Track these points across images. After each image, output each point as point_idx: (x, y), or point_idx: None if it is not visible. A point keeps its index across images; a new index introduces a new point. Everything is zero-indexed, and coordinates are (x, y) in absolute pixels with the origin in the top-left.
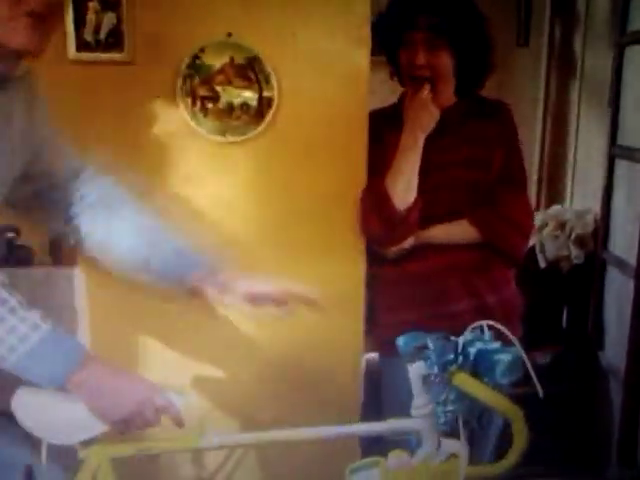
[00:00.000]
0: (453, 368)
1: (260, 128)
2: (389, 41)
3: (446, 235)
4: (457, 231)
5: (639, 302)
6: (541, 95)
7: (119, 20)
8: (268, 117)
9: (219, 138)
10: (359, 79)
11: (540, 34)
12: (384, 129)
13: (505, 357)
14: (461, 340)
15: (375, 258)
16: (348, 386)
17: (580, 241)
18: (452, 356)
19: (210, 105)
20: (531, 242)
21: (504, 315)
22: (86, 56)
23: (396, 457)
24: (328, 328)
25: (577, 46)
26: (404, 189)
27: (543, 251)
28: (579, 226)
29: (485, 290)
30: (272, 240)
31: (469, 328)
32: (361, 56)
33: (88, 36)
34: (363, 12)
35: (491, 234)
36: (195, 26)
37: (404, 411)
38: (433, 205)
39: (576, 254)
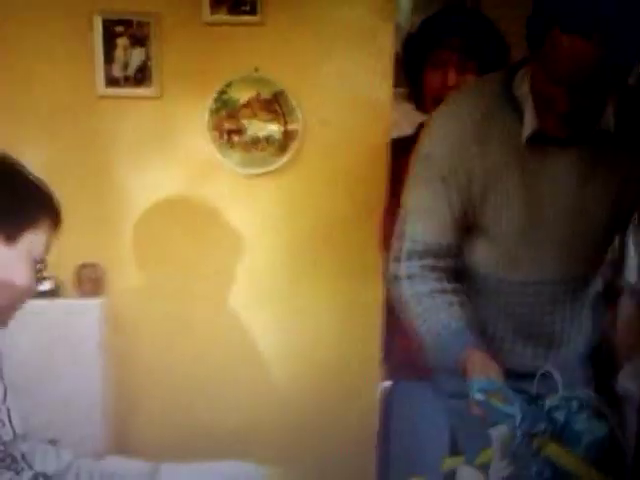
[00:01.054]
0: (541, 438)
1: (284, 159)
2: (416, 61)
3: None
4: None
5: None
6: None
7: (147, 56)
8: (292, 149)
9: (245, 170)
10: (382, 111)
11: None
12: (406, 157)
13: (594, 431)
14: (547, 404)
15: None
16: (364, 413)
17: None
18: (543, 427)
19: (236, 138)
20: None
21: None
22: (114, 91)
23: None
24: (345, 356)
25: None
26: None
27: None
28: None
29: None
30: (294, 266)
31: (538, 374)
32: (384, 88)
33: (117, 72)
34: (386, 44)
35: None
36: (222, 61)
37: (412, 442)
38: None
39: None
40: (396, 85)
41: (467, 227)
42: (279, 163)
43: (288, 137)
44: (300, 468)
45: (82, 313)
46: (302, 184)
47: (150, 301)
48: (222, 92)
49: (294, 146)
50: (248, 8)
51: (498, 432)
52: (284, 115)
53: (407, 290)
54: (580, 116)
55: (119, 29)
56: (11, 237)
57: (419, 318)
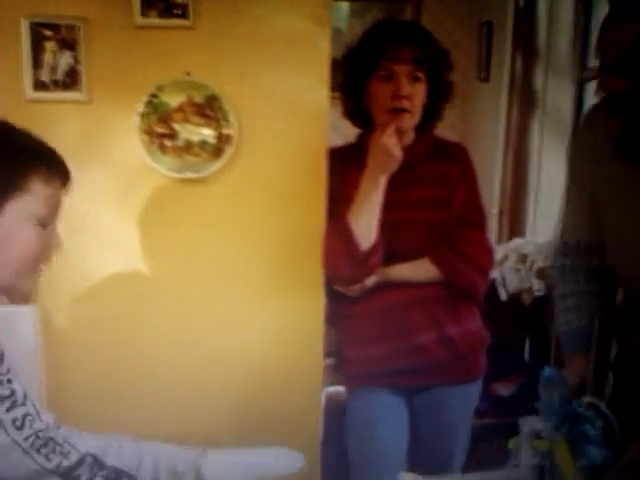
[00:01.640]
0: (559, 435)
1: (219, 165)
2: (360, 76)
3: (409, 274)
4: (419, 270)
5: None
6: (502, 129)
7: (76, 60)
8: (227, 154)
9: (177, 175)
10: (319, 116)
11: (501, 69)
12: (346, 166)
13: (596, 451)
14: (575, 407)
15: (340, 295)
16: (308, 421)
17: (542, 274)
18: (560, 419)
19: (168, 143)
20: (492, 275)
21: (469, 348)
22: (43, 96)
23: None
24: (288, 364)
25: (538, 80)
26: (367, 228)
27: (504, 284)
28: (540, 259)
29: (448, 323)
30: (231, 278)
31: (585, 402)
32: (321, 93)
33: (45, 76)
34: (322, 48)
35: (452, 273)
36: (153, 65)
37: (369, 448)
38: (395, 243)
39: (538, 286)
40: (333, 90)
41: None
42: (213, 169)
43: (222, 142)
44: None
45: (13, 321)
46: (237, 191)
47: (81, 307)
48: (153, 96)
49: (228, 152)
50: (180, 12)
51: (528, 423)
52: (217, 120)
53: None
54: None
55: (47, 33)
56: None
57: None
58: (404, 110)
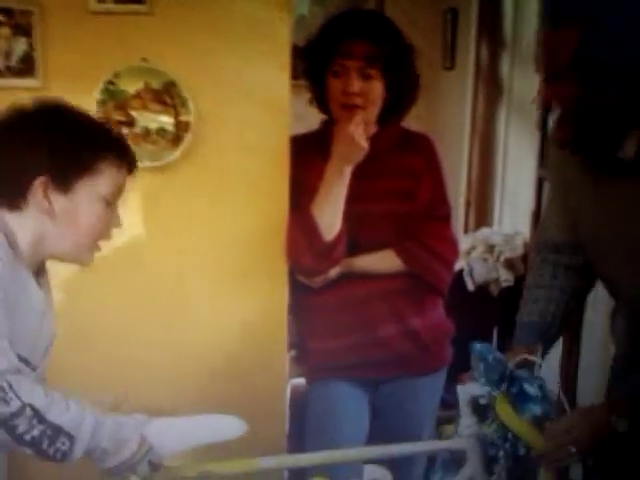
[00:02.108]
0: (498, 393)
1: (178, 153)
2: (317, 69)
3: (373, 265)
4: (383, 261)
5: (569, 327)
6: (468, 118)
7: (31, 46)
8: (185, 142)
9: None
10: (280, 104)
11: (466, 57)
12: (309, 155)
13: (538, 409)
14: (510, 365)
15: (302, 286)
16: (273, 412)
17: (509, 264)
18: (497, 376)
19: (125, 130)
20: (459, 265)
21: (433, 340)
22: None
23: None
24: (252, 356)
25: (504, 68)
26: (331, 219)
27: (471, 274)
28: (508, 249)
29: (413, 315)
30: (192, 269)
31: (518, 359)
32: (282, 81)
33: None
34: (283, 35)
35: (416, 265)
36: (110, 51)
37: (329, 437)
38: (358, 234)
39: (505, 277)
40: (297, 77)
41: None
42: (171, 157)
43: (181, 129)
44: None
45: None
46: (197, 180)
47: None
48: (109, 83)
49: (187, 139)
50: None
51: (465, 389)
52: (175, 107)
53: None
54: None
55: (1, 18)
56: (65, 187)
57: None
58: (356, 106)
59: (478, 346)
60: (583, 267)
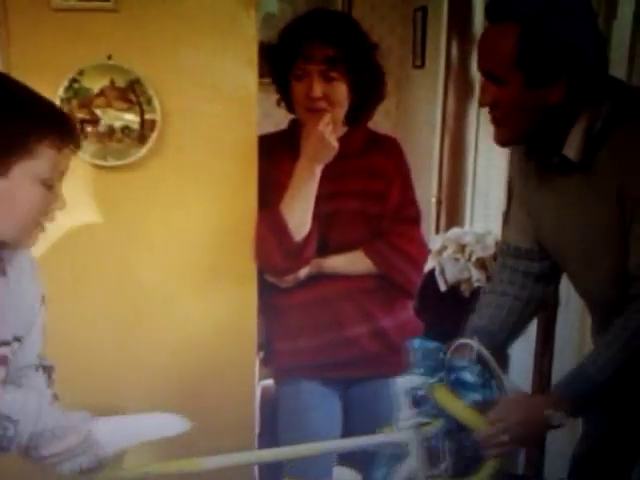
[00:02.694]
0: (435, 381)
1: (143, 152)
2: (281, 72)
3: (342, 266)
4: (353, 262)
5: (543, 327)
6: (439, 116)
7: None
8: (151, 140)
9: (101, 162)
10: (248, 101)
11: (437, 55)
12: (278, 154)
13: (478, 395)
14: (448, 356)
15: (270, 286)
16: (242, 412)
17: (481, 264)
18: (434, 363)
19: (90, 128)
20: (431, 265)
21: (402, 340)
22: None
23: None
24: (221, 356)
25: (475, 66)
26: (300, 219)
27: (443, 274)
28: (479, 249)
29: (381, 315)
30: (158, 268)
31: (455, 344)
32: (249, 77)
33: None
34: (250, 32)
35: (386, 266)
36: (74, 48)
37: (301, 436)
38: (328, 234)
39: (477, 277)
40: (265, 75)
41: None
42: (137, 155)
43: (146, 128)
44: None
45: None
46: (163, 179)
47: None
48: (74, 80)
49: (153, 137)
50: None
51: (403, 381)
52: (140, 105)
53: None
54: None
55: None
56: (1, 169)
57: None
58: (321, 109)
59: (416, 340)
60: (541, 275)
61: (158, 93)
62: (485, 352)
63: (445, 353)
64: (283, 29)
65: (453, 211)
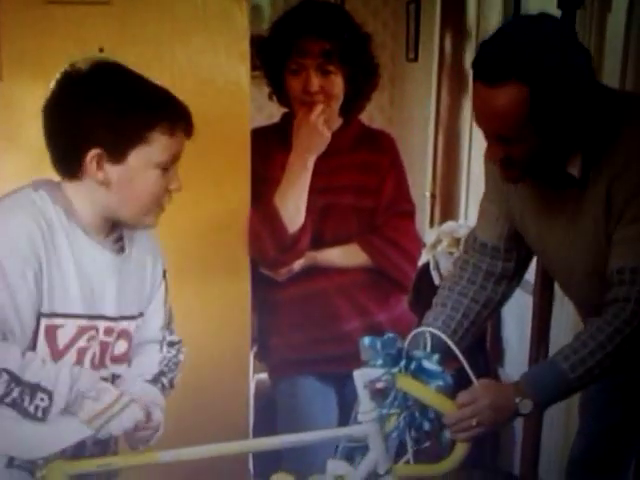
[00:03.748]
0: (396, 371)
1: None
2: (274, 67)
3: (337, 259)
4: (348, 255)
5: (539, 319)
6: (432, 110)
7: None
8: None
9: None
10: (240, 95)
11: (430, 49)
12: (271, 147)
13: (440, 382)
14: (406, 345)
15: (264, 280)
16: (236, 407)
17: None
18: (394, 351)
19: None
20: (425, 259)
21: (397, 333)
22: None
23: None
24: (215, 351)
25: (468, 60)
26: (294, 211)
27: (438, 268)
28: None
29: (375, 309)
30: None
31: (412, 333)
32: (241, 71)
33: None
34: (242, 26)
35: (381, 260)
36: (66, 41)
37: (298, 432)
38: (322, 227)
39: None
40: (257, 68)
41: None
42: None
43: None
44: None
45: None
46: None
47: None
48: None
49: None
50: None
51: (362, 374)
52: None
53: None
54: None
55: None
56: (119, 157)
57: None
58: (317, 103)
59: (367, 338)
60: (502, 277)
61: None
62: (447, 339)
63: (403, 343)
64: (275, 22)
65: (447, 205)
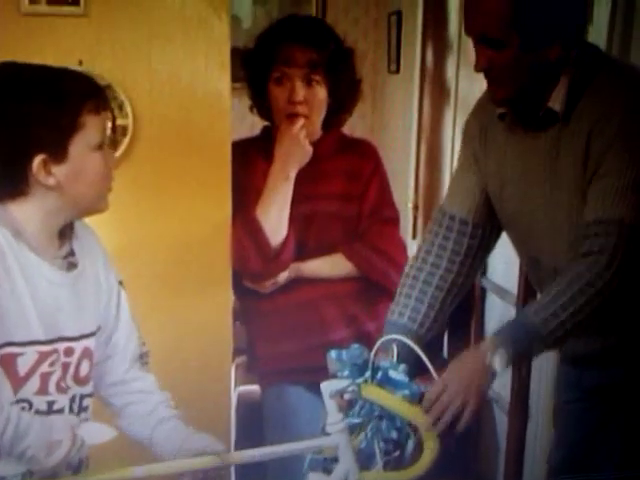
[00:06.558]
0: (362, 381)
1: (116, 156)
2: (258, 77)
3: (322, 269)
4: (333, 265)
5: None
6: (415, 121)
7: None
8: (123, 146)
9: None
10: (221, 105)
11: (412, 60)
12: (252, 159)
13: (406, 391)
14: (372, 355)
15: (252, 291)
16: (218, 419)
17: None
18: (360, 362)
19: None
20: None
21: None
22: None
23: None
24: (196, 361)
25: (450, 71)
26: (277, 223)
27: None
28: None
29: (364, 318)
30: (132, 273)
31: (379, 342)
32: (222, 82)
33: None
34: (223, 36)
35: (367, 267)
36: (44, 54)
37: (286, 441)
38: (306, 235)
39: None
40: (238, 80)
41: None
42: None
43: (118, 133)
44: None
45: None
46: (136, 184)
47: None
48: None
49: (125, 143)
50: None
51: (328, 385)
52: (112, 110)
53: None
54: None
55: None
56: (62, 154)
57: None
58: (301, 114)
59: (333, 351)
60: (466, 256)
61: (130, 99)
62: (414, 345)
63: (368, 354)
64: (260, 34)
65: (430, 216)
